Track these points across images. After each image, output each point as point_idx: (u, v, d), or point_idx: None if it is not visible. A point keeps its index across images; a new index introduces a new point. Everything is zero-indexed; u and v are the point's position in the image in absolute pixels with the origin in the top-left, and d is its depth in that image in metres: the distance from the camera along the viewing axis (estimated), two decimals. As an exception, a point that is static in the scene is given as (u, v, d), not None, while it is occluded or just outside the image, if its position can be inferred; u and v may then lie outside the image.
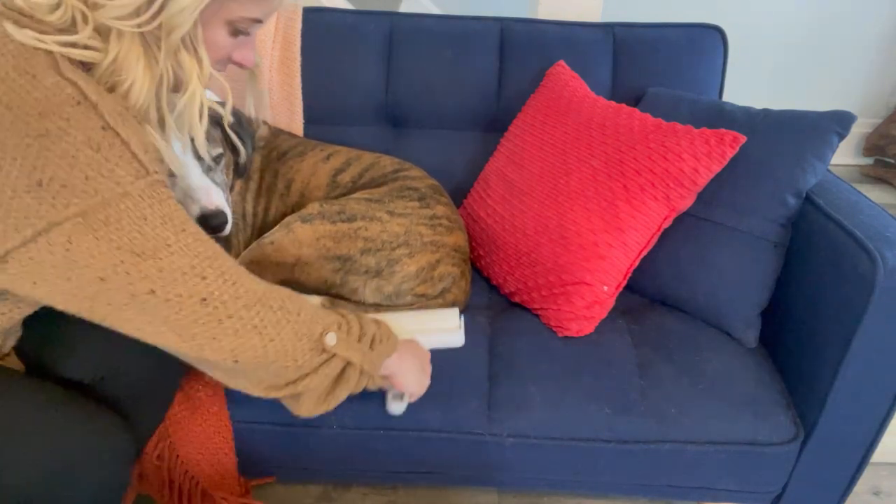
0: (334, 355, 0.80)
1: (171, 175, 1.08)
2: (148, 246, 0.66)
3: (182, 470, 1.04)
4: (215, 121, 1.12)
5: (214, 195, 1.09)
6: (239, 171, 1.21)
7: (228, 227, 1.12)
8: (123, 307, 0.68)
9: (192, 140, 1.03)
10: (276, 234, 1.11)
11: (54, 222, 0.62)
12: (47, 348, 0.83)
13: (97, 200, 0.63)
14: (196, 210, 1.08)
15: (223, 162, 1.14)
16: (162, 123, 0.75)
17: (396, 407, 0.97)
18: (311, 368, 0.79)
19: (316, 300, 1.12)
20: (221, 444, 1.02)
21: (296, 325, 0.75)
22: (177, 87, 0.74)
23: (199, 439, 1.01)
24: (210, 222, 1.08)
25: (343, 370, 0.82)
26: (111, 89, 0.68)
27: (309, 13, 1.38)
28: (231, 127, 1.14)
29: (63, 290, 0.66)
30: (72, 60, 0.65)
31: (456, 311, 1.08)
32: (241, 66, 0.82)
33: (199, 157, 1.09)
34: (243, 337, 0.72)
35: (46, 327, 0.81)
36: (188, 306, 0.68)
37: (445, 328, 1.05)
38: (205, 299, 0.69)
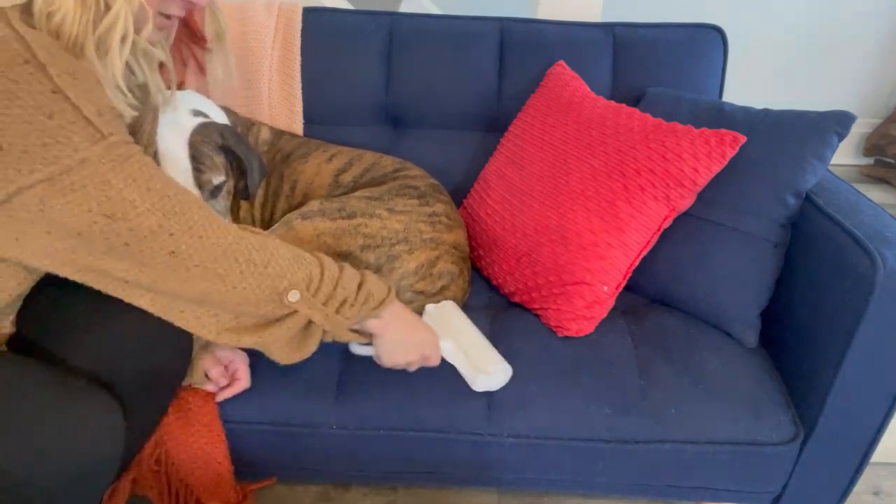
0: (296, 311, 0.84)
1: None
2: (116, 208, 0.70)
3: (178, 477, 1.04)
4: (219, 146, 1.12)
5: None
6: (244, 195, 1.21)
7: None
8: (103, 255, 0.73)
9: (195, 170, 1.05)
10: (276, 232, 1.11)
11: (23, 186, 0.66)
12: (44, 340, 0.83)
13: (58, 168, 0.67)
14: None
15: (225, 189, 1.14)
16: (103, 56, 0.77)
17: (358, 348, 1.00)
18: (274, 318, 0.84)
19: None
20: (215, 453, 1.02)
21: (259, 277, 0.79)
22: (138, 28, 0.78)
23: (192, 448, 1.01)
24: None
25: (308, 325, 0.87)
26: (53, 30, 0.71)
27: (309, 13, 1.38)
28: (238, 150, 1.14)
29: (45, 244, 0.71)
30: (21, 10, 0.67)
31: (506, 368, 1.02)
32: (190, 2, 0.84)
33: (199, 186, 1.09)
34: (209, 282, 0.77)
35: (43, 320, 0.82)
36: (160, 257, 0.74)
37: (477, 364, 1.01)
38: (173, 252, 0.74)
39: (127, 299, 0.78)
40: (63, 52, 0.71)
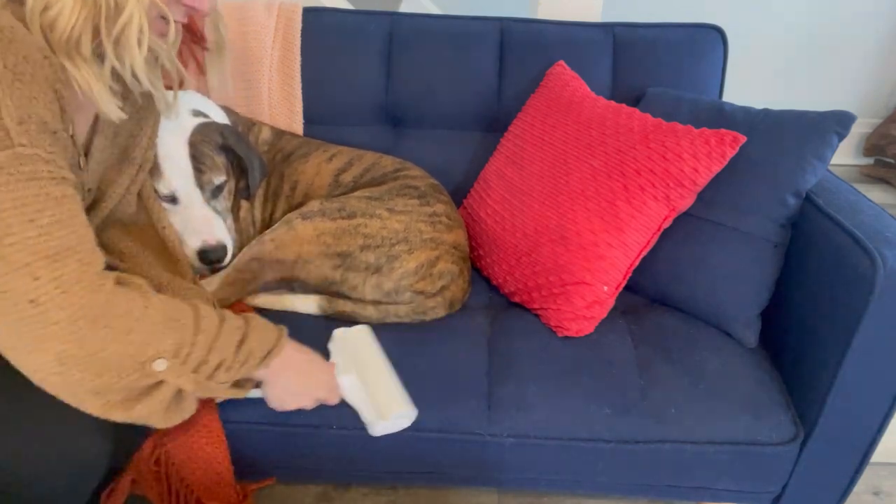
0: (163, 381, 0.77)
1: (173, 202, 1.08)
2: None
3: (178, 478, 1.04)
4: (220, 146, 1.12)
5: (216, 227, 1.10)
6: (245, 194, 1.21)
7: (228, 259, 1.12)
8: None
9: (195, 170, 1.04)
10: (277, 231, 1.11)
11: None
12: None
13: None
14: (197, 243, 1.08)
15: (226, 189, 1.14)
16: (100, 57, 0.73)
17: (253, 392, 0.93)
18: (140, 389, 0.76)
19: (312, 302, 1.12)
20: (215, 453, 1.02)
21: (121, 345, 0.71)
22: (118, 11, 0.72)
23: (192, 449, 1.01)
24: (209, 256, 1.09)
25: (179, 391, 0.80)
26: (47, 24, 0.67)
27: (309, 13, 1.38)
28: (239, 150, 1.14)
29: None
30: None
31: (409, 411, 0.97)
32: (193, 9, 0.80)
33: (200, 187, 1.09)
34: (67, 344, 0.68)
35: None
36: (20, 303, 0.66)
37: (380, 408, 0.96)
38: (33, 301, 0.66)
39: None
40: (30, 51, 0.66)
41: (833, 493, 1.08)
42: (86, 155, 0.88)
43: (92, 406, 0.74)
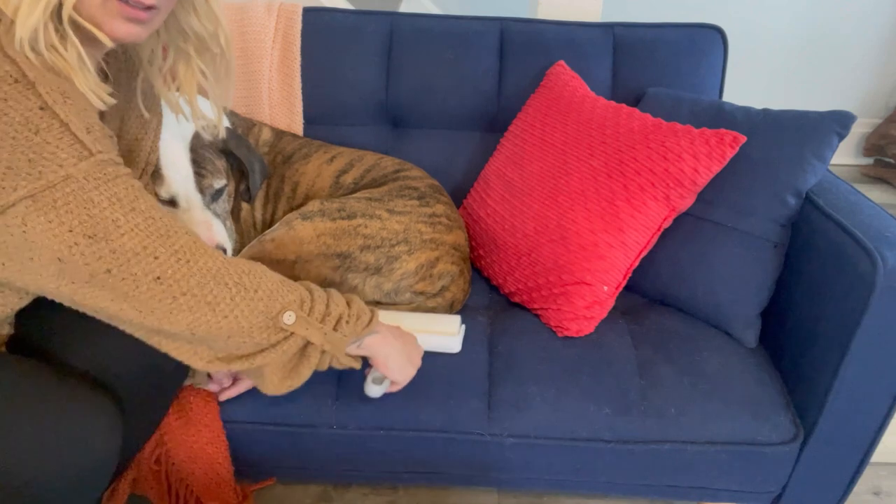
0: (292, 334, 0.80)
1: (173, 206, 1.08)
2: (98, 228, 0.68)
3: (178, 478, 1.04)
4: (220, 150, 1.12)
5: (216, 231, 1.09)
6: (246, 196, 1.21)
7: None
8: (85, 285, 0.70)
9: (196, 175, 1.04)
10: (277, 231, 1.11)
11: (6, 205, 0.65)
12: (43, 341, 0.82)
13: (42, 183, 0.65)
14: None
15: (225, 192, 1.14)
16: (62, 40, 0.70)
17: (374, 390, 0.97)
18: (269, 345, 0.80)
19: None
20: (215, 454, 1.02)
21: (252, 301, 0.76)
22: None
23: (192, 449, 1.01)
24: None
25: (304, 348, 0.83)
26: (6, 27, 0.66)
27: (309, 13, 1.38)
28: (239, 153, 1.14)
29: (29, 269, 0.69)
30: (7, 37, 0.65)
31: (458, 318, 1.08)
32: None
33: (200, 191, 1.09)
34: (198, 312, 0.73)
35: (43, 321, 0.82)
36: (144, 284, 0.71)
37: (443, 331, 1.05)
38: (159, 278, 0.71)
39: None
40: (53, 73, 0.68)
41: (833, 493, 1.08)
42: None
43: (216, 358, 0.79)
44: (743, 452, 0.99)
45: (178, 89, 0.92)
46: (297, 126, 1.40)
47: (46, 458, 0.71)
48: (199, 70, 0.88)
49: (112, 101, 0.76)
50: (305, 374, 0.85)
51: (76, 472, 0.74)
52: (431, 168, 1.34)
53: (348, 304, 0.86)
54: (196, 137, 1.10)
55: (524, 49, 1.38)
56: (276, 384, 0.84)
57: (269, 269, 0.81)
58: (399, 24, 1.39)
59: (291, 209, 1.24)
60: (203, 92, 0.94)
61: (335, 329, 0.83)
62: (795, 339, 1.05)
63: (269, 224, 1.26)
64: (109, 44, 0.73)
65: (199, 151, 1.09)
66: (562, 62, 1.35)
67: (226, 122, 1.23)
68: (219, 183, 1.11)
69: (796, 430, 1.00)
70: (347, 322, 0.84)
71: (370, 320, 0.87)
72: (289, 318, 0.79)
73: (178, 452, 1.02)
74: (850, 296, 0.92)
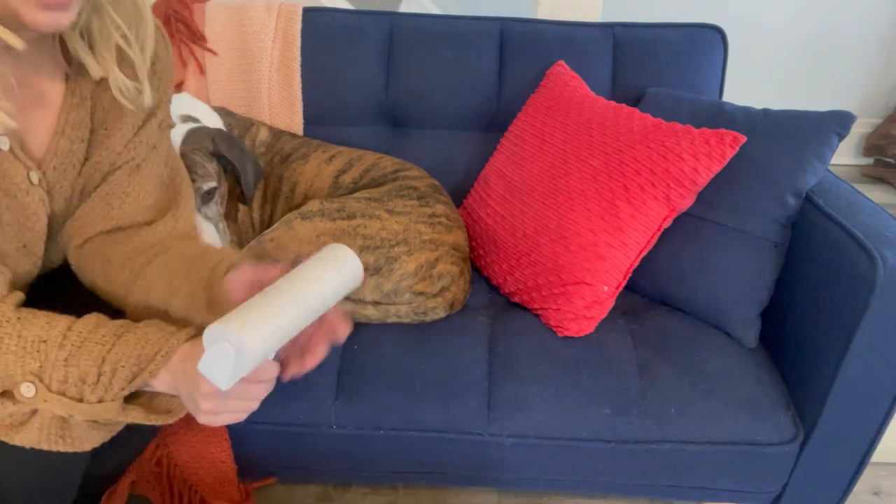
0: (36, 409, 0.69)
1: None
2: None
3: (181, 478, 1.04)
4: (211, 152, 1.11)
5: (207, 234, 1.09)
6: (243, 199, 1.20)
7: None
8: None
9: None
10: (276, 231, 1.11)
11: None
12: None
13: None
14: None
15: (217, 194, 1.13)
16: None
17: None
18: (18, 420, 0.69)
19: None
20: (219, 453, 1.02)
21: None
22: None
23: (195, 449, 1.01)
24: None
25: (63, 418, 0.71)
26: None
27: (309, 13, 1.38)
28: (230, 155, 1.13)
29: None
30: None
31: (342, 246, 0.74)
32: None
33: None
34: None
35: None
36: None
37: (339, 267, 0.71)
38: None
39: None
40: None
41: (833, 493, 1.08)
42: (86, 160, 0.88)
43: None
44: (743, 452, 0.99)
45: (91, 48, 0.76)
46: (297, 126, 1.40)
47: (16, 458, 0.70)
48: (113, 25, 0.73)
49: (13, 124, 0.67)
50: (96, 438, 0.73)
51: (41, 477, 0.71)
52: (431, 168, 1.34)
53: (105, 354, 0.68)
54: (184, 143, 1.09)
55: (524, 49, 1.38)
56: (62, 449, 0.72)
57: (29, 324, 0.67)
58: (399, 24, 1.39)
59: (290, 209, 1.24)
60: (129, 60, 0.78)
61: (79, 399, 0.68)
62: (795, 339, 1.05)
63: (267, 224, 1.26)
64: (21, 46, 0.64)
65: (188, 156, 1.08)
66: (562, 62, 1.35)
67: (219, 123, 1.22)
68: (207, 185, 1.10)
69: (796, 430, 1.00)
70: (93, 386, 0.68)
71: (137, 371, 0.69)
72: (27, 390, 0.67)
73: (182, 454, 1.03)
74: (850, 296, 0.92)
